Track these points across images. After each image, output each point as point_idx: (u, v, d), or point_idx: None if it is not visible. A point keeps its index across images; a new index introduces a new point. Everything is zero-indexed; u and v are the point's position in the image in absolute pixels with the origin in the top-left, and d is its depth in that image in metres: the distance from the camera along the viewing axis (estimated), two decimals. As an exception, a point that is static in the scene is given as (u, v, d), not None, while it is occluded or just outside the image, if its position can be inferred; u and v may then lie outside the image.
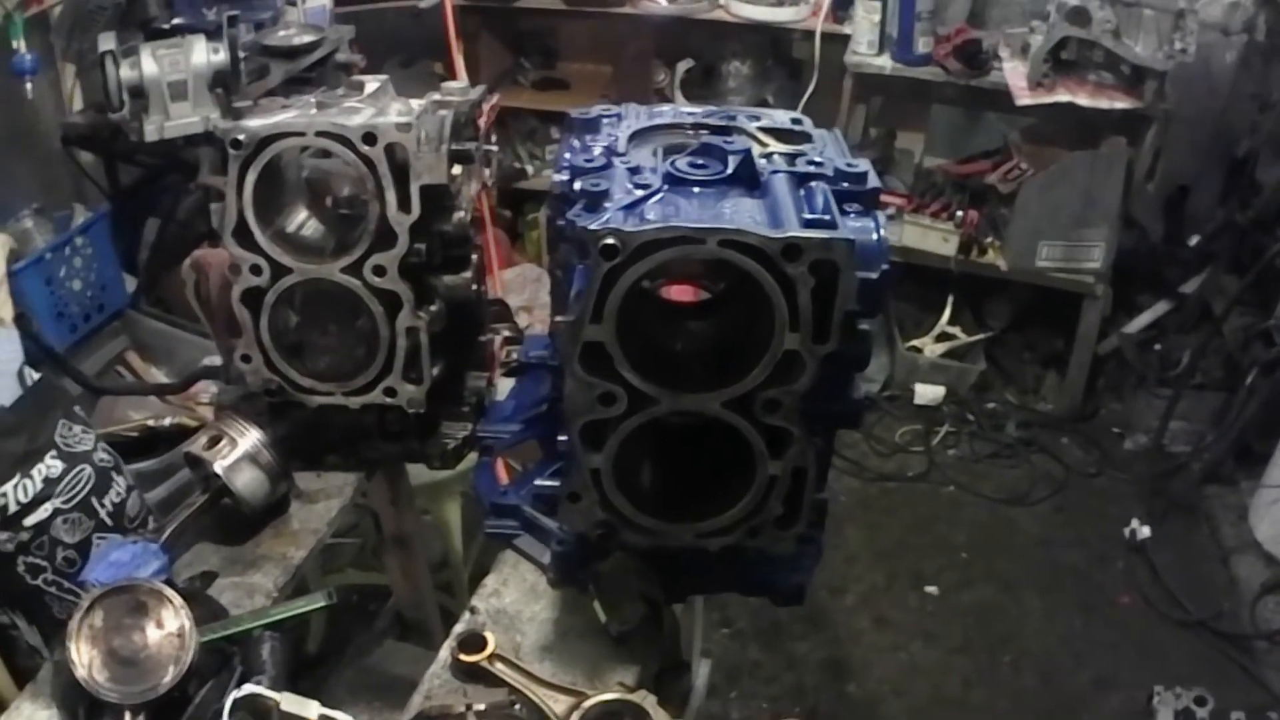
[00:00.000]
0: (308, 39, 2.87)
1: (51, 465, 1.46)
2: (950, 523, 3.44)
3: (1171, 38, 3.18)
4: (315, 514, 1.56)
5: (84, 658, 1.18)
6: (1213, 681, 2.69)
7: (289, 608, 1.34)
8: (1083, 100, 3.38)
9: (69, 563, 1.47)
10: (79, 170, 3.10)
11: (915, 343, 3.93)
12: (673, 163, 1.17)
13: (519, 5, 4.07)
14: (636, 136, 1.31)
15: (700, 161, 1.18)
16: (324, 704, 1.17)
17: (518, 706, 1.23)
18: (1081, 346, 3.76)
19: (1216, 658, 2.95)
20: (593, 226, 1.04)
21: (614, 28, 4.09)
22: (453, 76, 2.91)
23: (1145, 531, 3.30)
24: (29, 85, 2.82)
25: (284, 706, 1.15)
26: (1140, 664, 2.92)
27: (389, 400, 1.45)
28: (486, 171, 1.54)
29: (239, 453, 1.44)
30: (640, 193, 1.11)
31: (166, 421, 1.98)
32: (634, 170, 1.16)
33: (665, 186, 1.14)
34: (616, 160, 1.22)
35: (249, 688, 1.17)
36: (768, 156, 1.22)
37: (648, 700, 1.20)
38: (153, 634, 1.20)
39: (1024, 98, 3.41)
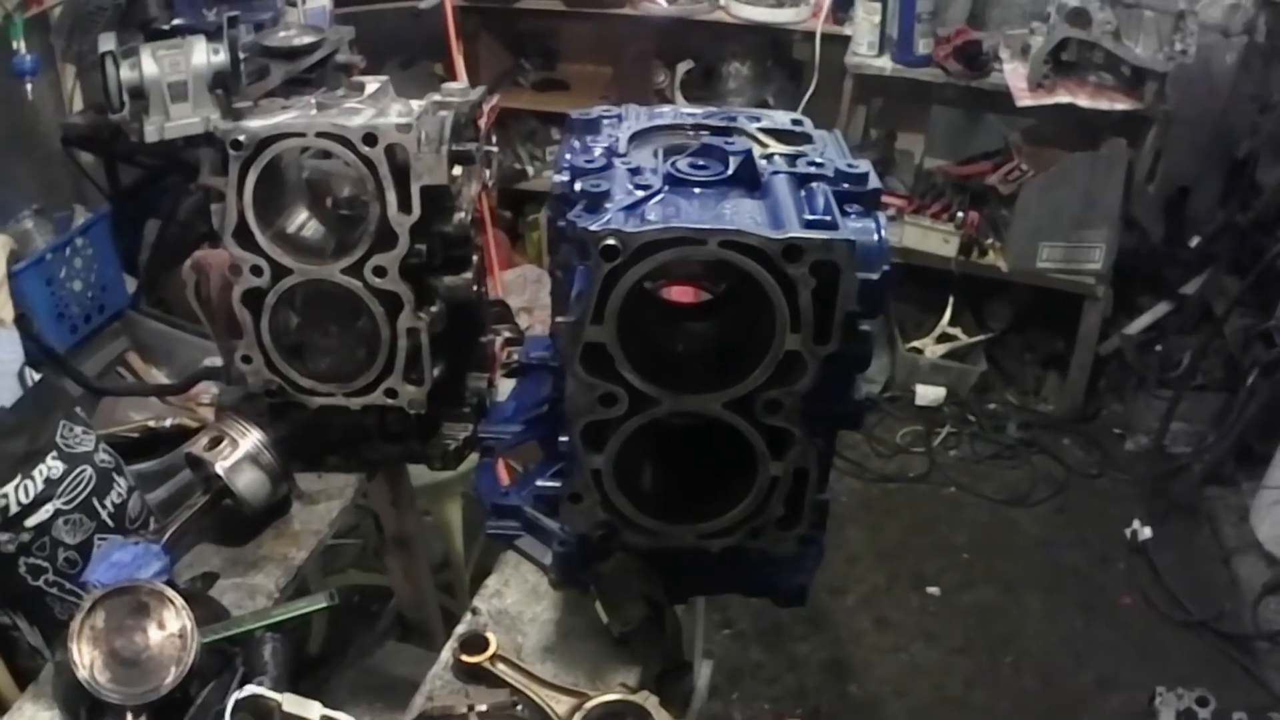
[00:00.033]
0: (308, 40, 2.88)
1: (52, 466, 1.47)
2: (951, 523, 3.44)
3: (1172, 39, 3.19)
4: (316, 515, 1.55)
5: (85, 659, 1.18)
6: (1214, 682, 2.67)
7: (290, 609, 1.34)
8: (1083, 101, 3.38)
9: (70, 564, 1.47)
10: (79, 171, 3.10)
11: (916, 344, 3.93)
12: (673, 164, 1.17)
13: (519, 6, 4.07)
14: (637, 137, 1.30)
15: (701, 162, 1.18)
16: (326, 705, 1.17)
17: (519, 707, 1.23)
18: (1082, 347, 3.76)
19: (1218, 658, 2.95)
20: (593, 227, 1.04)
21: (614, 29, 4.09)
22: (453, 77, 2.91)
23: (1146, 532, 3.30)
24: (29, 86, 2.82)
25: (286, 707, 1.15)
26: (1142, 665, 2.92)
27: (390, 401, 1.45)
28: (487, 172, 1.54)
29: (240, 454, 1.44)
30: (641, 193, 1.11)
31: (167, 422, 1.98)
32: (634, 171, 1.16)
33: (666, 187, 1.13)
34: (617, 161, 1.21)
35: (251, 689, 1.17)
36: (768, 157, 1.22)
37: (649, 701, 1.19)
38: (154, 635, 1.20)
39: (1024, 99, 3.41)
